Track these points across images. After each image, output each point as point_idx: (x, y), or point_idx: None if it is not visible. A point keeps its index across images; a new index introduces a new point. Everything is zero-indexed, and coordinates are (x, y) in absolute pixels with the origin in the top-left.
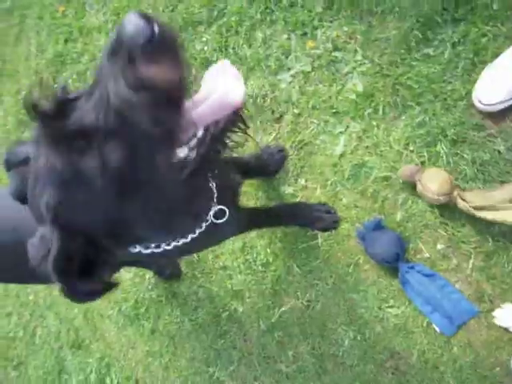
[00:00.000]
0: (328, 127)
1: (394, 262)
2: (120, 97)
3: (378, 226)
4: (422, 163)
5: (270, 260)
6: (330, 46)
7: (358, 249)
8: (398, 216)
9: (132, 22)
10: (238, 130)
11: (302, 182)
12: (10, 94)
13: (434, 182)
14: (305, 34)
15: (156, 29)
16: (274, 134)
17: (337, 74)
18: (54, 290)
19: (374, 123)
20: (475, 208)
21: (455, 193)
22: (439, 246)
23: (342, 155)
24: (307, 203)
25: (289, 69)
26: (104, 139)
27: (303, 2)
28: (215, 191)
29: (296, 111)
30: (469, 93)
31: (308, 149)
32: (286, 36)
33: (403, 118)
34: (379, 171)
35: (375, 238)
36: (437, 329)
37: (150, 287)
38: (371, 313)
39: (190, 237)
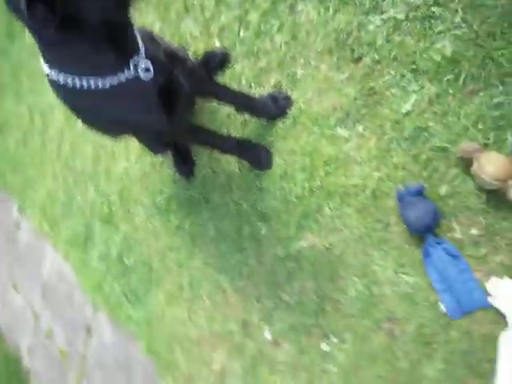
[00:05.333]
0: (403, 82)
1: (424, 233)
2: None
3: (419, 193)
4: (485, 145)
5: (306, 194)
6: None
7: (393, 210)
8: (443, 190)
9: None
10: None
11: (359, 128)
12: None
13: (492, 164)
14: None
15: None
16: (347, 74)
17: (429, 31)
18: (100, 162)
19: (451, 91)
20: None
21: (510, 182)
22: (473, 232)
23: (407, 114)
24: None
25: (382, 12)
26: None
27: None
28: (142, 45)
29: (376, 57)
30: None
31: (376, 98)
32: None
33: (482, 94)
34: (439, 140)
35: (413, 203)
36: (443, 308)
37: (187, 187)
38: (385, 273)
39: (109, 83)
